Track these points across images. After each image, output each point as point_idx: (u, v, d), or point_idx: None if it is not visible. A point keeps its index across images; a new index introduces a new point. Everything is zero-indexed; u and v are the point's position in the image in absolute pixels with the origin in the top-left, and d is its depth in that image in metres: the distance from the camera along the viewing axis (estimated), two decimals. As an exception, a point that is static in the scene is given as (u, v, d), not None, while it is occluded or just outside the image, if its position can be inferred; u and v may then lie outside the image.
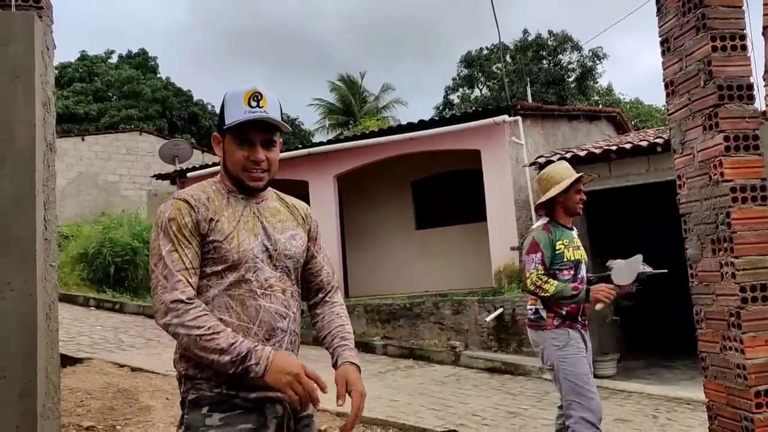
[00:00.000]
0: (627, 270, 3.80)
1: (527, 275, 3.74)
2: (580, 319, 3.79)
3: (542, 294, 3.68)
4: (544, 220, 3.91)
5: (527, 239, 3.88)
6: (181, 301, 1.77)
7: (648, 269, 3.79)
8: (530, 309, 3.85)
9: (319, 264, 2.13)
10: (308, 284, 2.11)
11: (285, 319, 1.91)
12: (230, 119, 1.90)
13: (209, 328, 1.75)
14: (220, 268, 1.86)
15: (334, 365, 1.98)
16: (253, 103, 1.89)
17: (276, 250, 1.94)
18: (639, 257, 3.82)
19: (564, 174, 3.91)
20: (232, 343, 1.73)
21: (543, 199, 3.91)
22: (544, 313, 3.77)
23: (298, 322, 1.99)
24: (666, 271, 3.79)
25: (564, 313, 3.74)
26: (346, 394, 1.88)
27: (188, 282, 1.81)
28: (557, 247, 3.77)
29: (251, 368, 1.73)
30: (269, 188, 2.04)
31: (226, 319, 1.83)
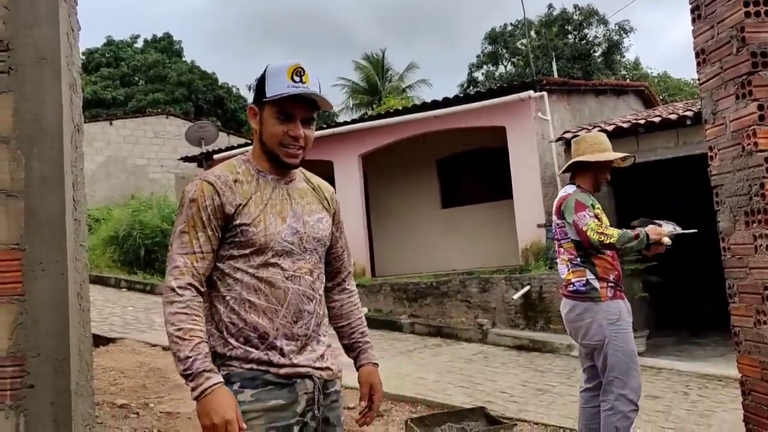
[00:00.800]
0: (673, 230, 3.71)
1: (584, 229, 3.56)
2: (623, 287, 3.71)
3: (608, 240, 3.51)
4: (574, 186, 3.81)
5: (569, 201, 3.70)
6: (171, 289, 1.78)
7: (678, 229, 3.70)
8: (579, 281, 3.68)
9: (341, 248, 2.15)
10: (328, 267, 2.11)
11: (312, 301, 1.91)
12: (272, 92, 1.86)
13: (179, 329, 1.74)
14: (247, 251, 1.85)
15: (355, 360, 2.13)
16: (296, 78, 1.86)
17: (306, 232, 1.93)
18: (640, 220, 3.75)
19: (607, 145, 3.82)
20: (189, 357, 1.71)
21: (582, 158, 3.79)
22: (597, 284, 3.62)
23: (324, 303, 2.01)
24: (696, 231, 3.70)
25: (613, 281, 3.64)
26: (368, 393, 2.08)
27: (191, 266, 1.81)
28: (596, 211, 3.67)
29: (190, 388, 1.72)
30: (298, 168, 2.02)
31: (255, 301, 1.83)
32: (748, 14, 2.71)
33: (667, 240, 3.61)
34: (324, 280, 2.02)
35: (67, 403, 2.39)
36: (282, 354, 1.84)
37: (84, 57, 25.91)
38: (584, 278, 3.67)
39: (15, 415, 2.33)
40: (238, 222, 1.84)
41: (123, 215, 13.55)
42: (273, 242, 1.85)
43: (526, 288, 8.92)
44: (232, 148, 13.24)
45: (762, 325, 2.74)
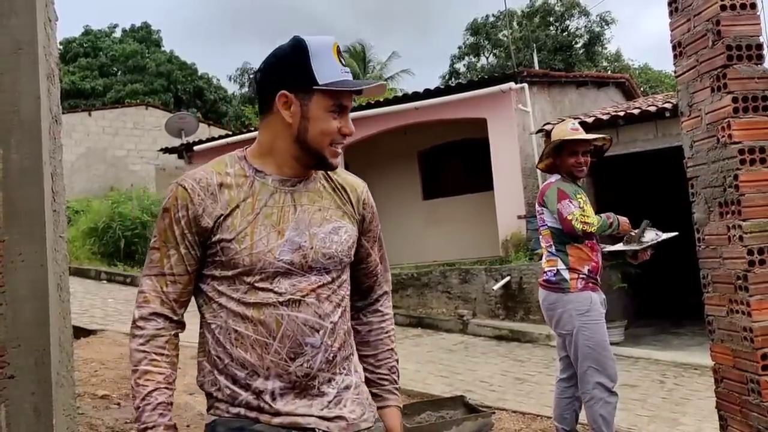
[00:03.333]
0: (637, 238, 3.80)
1: (568, 218, 3.59)
2: (599, 279, 3.77)
3: (589, 229, 3.58)
4: (557, 176, 3.84)
5: (551, 191, 3.74)
6: (133, 321, 1.54)
7: (660, 234, 3.78)
8: (550, 270, 3.74)
9: (374, 262, 1.77)
10: (358, 284, 1.74)
11: (317, 332, 1.52)
12: (327, 78, 1.50)
13: (135, 371, 1.50)
14: (230, 273, 1.51)
15: (377, 400, 1.72)
16: (342, 60, 1.54)
17: (312, 247, 1.54)
18: (646, 222, 3.82)
19: (557, 135, 3.83)
20: (138, 407, 1.47)
21: (537, 161, 3.90)
22: (567, 275, 3.67)
23: (340, 333, 1.58)
24: (677, 233, 3.78)
25: (586, 273, 3.67)
26: None
27: (161, 291, 1.52)
28: (578, 199, 3.70)
29: None
30: None
31: (243, 331, 1.50)
32: (723, 8, 2.76)
33: (647, 237, 3.76)
34: (342, 303, 1.61)
35: (48, 393, 2.39)
36: (273, 398, 1.50)
37: (61, 47, 25.53)
38: (555, 268, 3.72)
39: (-5, 406, 2.32)
40: (217, 237, 1.51)
41: (102, 207, 13.44)
42: (262, 262, 1.50)
43: (506, 279, 9.00)
44: (213, 139, 13.18)
45: (734, 314, 2.80)
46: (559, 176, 3.82)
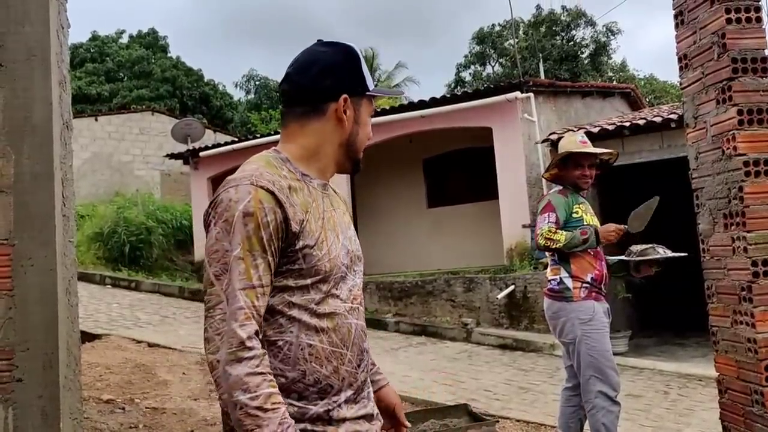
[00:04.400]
0: (643, 213, 3.79)
1: (538, 232, 3.71)
2: (603, 289, 3.78)
3: (554, 245, 3.64)
4: (559, 187, 3.91)
5: (542, 201, 3.87)
6: (240, 342, 1.31)
7: (668, 253, 3.79)
8: (553, 279, 3.77)
9: None
10: None
11: (366, 336, 1.55)
12: (371, 84, 1.56)
13: (257, 396, 1.29)
14: (309, 281, 1.43)
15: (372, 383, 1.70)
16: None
17: (353, 250, 1.55)
18: (656, 199, 3.80)
19: (565, 146, 3.88)
20: (281, 429, 1.29)
21: (544, 171, 3.96)
22: (569, 283, 3.69)
23: None
24: (686, 254, 3.76)
25: (589, 281, 3.69)
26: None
27: (253, 308, 1.35)
28: (575, 210, 3.75)
29: None
30: None
31: (317, 345, 1.42)
32: (729, 21, 2.78)
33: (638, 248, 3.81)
34: None
35: (56, 396, 2.41)
36: (341, 407, 1.46)
37: (69, 51, 25.68)
38: (558, 276, 3.76)
39: (4, 408, 2.35)
40: (301, 244, 1.41)
41: (108, 212, 13.50)
42: (336, 267, 1.47)
43: (511, 288, 8.99)
44: (219, 145, 13.19)
45: (738, 325, 2.81)
46: (560, 187, 3.87)
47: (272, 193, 1.39)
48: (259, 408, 1.28)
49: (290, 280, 1.42)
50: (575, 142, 3.84)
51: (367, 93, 1.54)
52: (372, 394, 1.60)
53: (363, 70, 1.54)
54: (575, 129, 9.71)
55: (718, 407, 3.00)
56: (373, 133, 1.66)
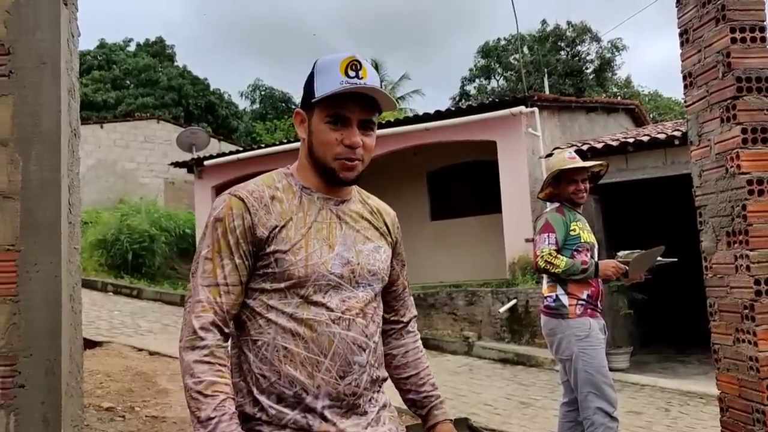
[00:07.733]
0: (646, 260, 3.82)
1: (538, 253, 3.73)
2: (599, 306, 3.79)
3: (553, 270, 3.66)
4: (556, 204, 3.93)
5: (540, 220, 3.88)
6: (193, 331, 1.45)
7: (659, 259, 3.82)
8: (549, 296, 3.80)
9: (402, 285, 1.82)
10: (387, 309, 1.77)
11: (364, 351, 1.55)
12: (322, 90, 1.51)
13: (200, 382, 1.41)
14: (283, 285, 1.50)
15: (427, 417, 1.80)
16: (352, 73, 1.52)
17: (359, 263, 1.58)
18: (661, 248, 3.83)
19: (555, 165, 3.91)
20: (211, 418, 1.38)
21: (539, 192, 4.02)
22: (565, 300, 3.71)
23: (379, 353, 1.63)
24: (675, 259, 3.81)
25: (585, 298, 3.71)
26: None
27: (214, 301, 1.47)
28: (572, 228, 3.77)
29: None
30: (354, 185, 1.67)
31: (293, 348, 1.48)
32: (734, 40, 2.80)
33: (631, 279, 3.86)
34: (380, 324, 1.66)
35: (58, 403, 2.42)
36: (323, 418, 1.49)
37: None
38: (554, 293, 3.78)
39: (5, 414, 2.35)
40: (272, 248, 1.50)
41: (111, 219, 13.53)
42: (316, 274, 1.51)
43: (513, 302, 8.98)
44: (224, 154, 13.23)
45: (741, 343, 2.80)
46: (557, 204, 3.89)
47: (243, 201, 1.51)
48: (199, 393, 1.40)
49: (267, 284, 1.52)
50: (564, 159, 3.89)
51: (313, 101, 1.54)
52: (385, 417, 1.62)
53: (314, 80, 1.55)
54: (579, 144, 9.73)
55: (719, 425, 2.99)
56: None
